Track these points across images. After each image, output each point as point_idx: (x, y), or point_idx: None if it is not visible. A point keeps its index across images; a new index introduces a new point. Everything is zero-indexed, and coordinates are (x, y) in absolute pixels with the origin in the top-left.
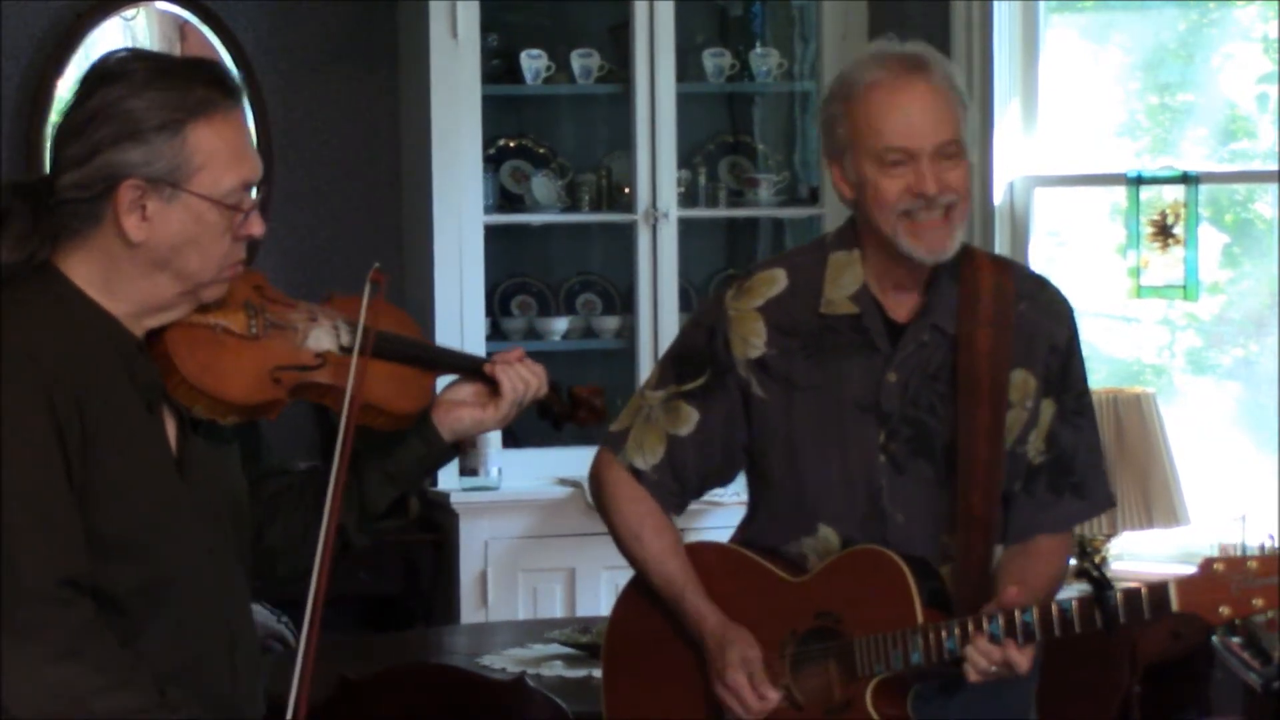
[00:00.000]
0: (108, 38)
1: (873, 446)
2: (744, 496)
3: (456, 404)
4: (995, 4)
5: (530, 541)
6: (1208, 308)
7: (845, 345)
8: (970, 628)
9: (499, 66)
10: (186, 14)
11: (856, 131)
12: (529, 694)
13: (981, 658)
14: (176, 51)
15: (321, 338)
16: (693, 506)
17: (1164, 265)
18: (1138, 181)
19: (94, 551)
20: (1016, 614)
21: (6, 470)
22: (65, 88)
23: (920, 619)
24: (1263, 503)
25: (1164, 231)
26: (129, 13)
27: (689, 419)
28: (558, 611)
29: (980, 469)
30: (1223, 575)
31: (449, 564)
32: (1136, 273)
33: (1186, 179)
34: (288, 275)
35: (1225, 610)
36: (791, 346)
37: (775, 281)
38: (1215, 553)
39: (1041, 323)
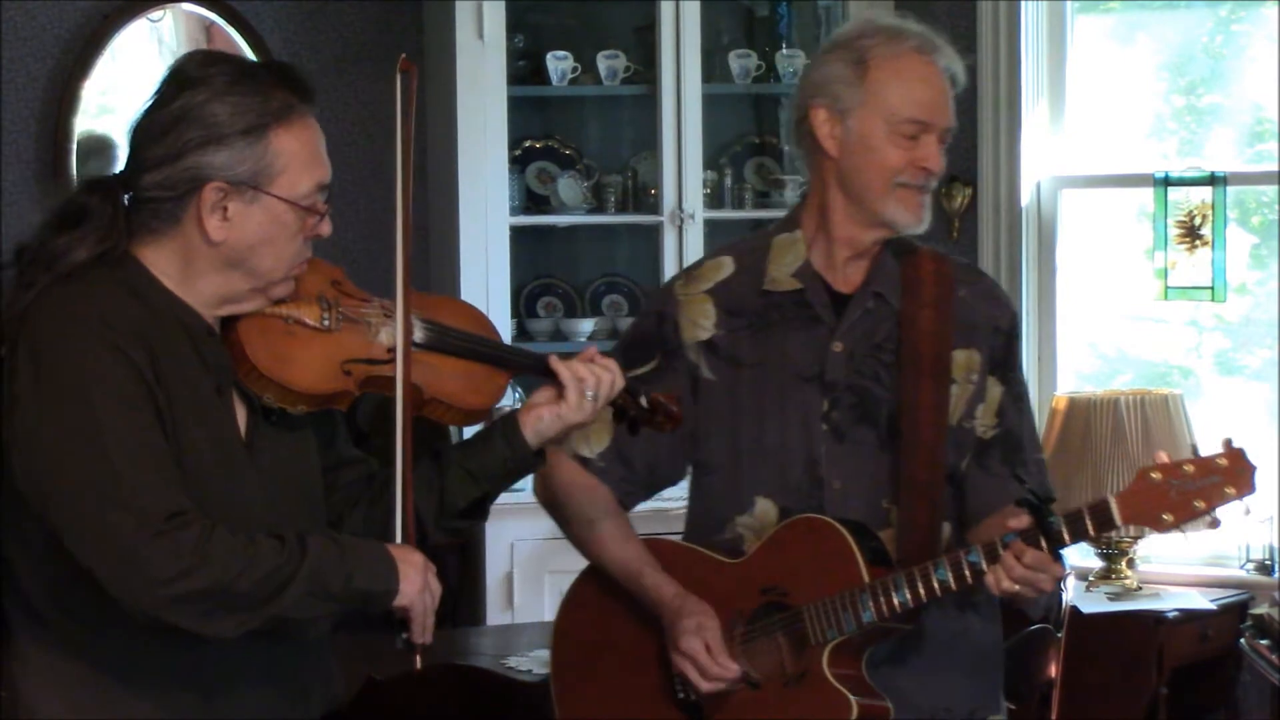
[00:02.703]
0: (134, 39)
1: (814, 416)
2: None
3: (536, 406)
4: (1022, 4)
5: (556, 543)
6: (1235, 309)
7: (789, 320)
8: (917, 577)
9: (525, 67)
10: (213, 15)
11: (877, 92)
12: None
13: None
14: None
15: (394, 333)
16: (675, 507)
17: (1191, 266)
18: (1165, 183)
19: None
20: (962, 555)
21: (102, 414)
22: (92, 88)
23: (867, 577)
24: None
25: (1191, 233)
26: (155, 14)
27: None
28: None
29: (924, 439)
30: (1161, 483)
31: (475, 565)
32: (1164, 274)
33: (1214, 180)
34: None
35: (1169, 517)
36: (738, 326)
37: (722, 267)
38: (1244, 557)
39: (981, 307)
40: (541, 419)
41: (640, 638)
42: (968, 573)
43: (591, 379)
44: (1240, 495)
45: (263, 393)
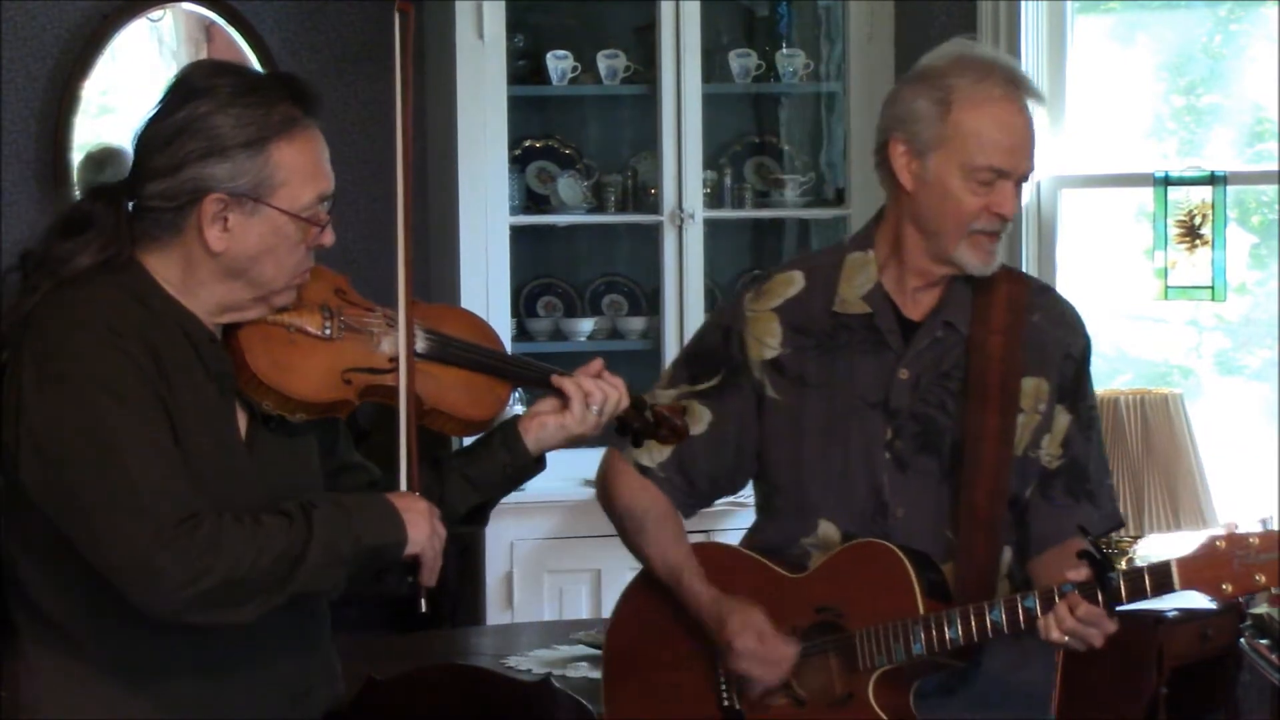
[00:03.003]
0: (134, 39)
1: (877, 443)
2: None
3: (540, 414)
4: (1022, 4)
5: (556, 542)
6: (1235, 309)
7: (857, 343)
8: (971, 615)
9: (525, 67)
10: (213, 15)
11: (956, 136)
12: (554, 695)
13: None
14: (203, 52)
15: (396, 342)
16: (717, 506)
17: (1191, 266)
18: (1165, 182)
19: None
20: (1018, 600)
21: (110, 417)
22: (92, 88)
23: (922, 609)
24: None
25: (1191, 232)
26: (155, 14)
27: (700, 418)
28: (583, 613)
29: (986, 469)
30: (1224, 552)
31: (475, 565)
32: (1164, 274)
33: (1214, 180)
34: None
35: (1228, 587)
36: (805, 345)
37: (793, 283)
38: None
39: (1054, 332)
40: (545, 427)
41: (690, 640)
42: (1022, 617)
43: (598, 394)
44: None
45: (262, 400)
